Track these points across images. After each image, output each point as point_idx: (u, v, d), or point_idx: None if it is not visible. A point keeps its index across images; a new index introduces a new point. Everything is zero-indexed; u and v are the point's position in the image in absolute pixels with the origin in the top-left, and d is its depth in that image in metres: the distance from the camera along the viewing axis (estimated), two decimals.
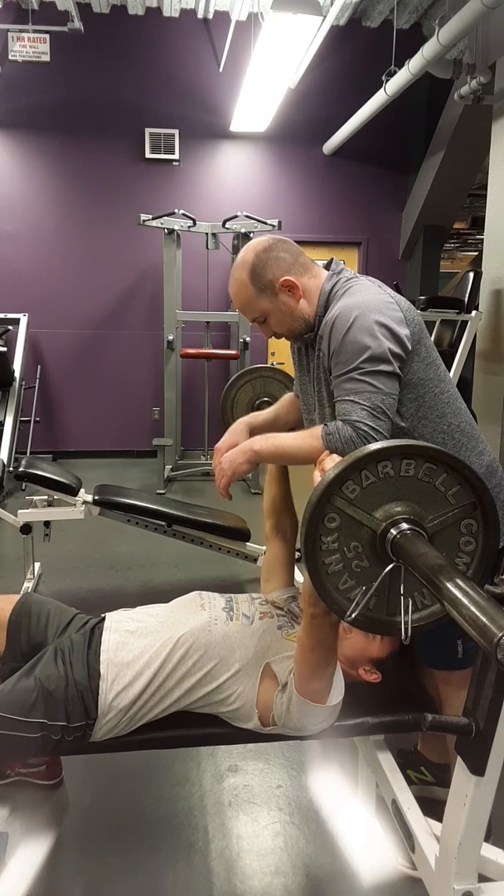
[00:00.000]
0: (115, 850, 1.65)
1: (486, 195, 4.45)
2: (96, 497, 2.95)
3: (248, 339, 5.37)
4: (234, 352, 5.44)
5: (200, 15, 5.91)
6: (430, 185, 5.95)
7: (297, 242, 1.58)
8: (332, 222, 6.48)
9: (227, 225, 5.34)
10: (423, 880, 1.29)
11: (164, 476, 5.26)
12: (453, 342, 4.73)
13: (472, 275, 4.77)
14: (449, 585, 0.89)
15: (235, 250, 5.68)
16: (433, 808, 1.36)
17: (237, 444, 1.55)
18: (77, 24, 5.06)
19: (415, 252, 6.57)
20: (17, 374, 5.41)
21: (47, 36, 4.94)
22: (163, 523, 2.99)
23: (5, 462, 4.76)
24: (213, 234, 5.49)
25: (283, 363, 6.19)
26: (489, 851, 1.29)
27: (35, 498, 2.99)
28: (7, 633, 1.57)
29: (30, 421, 5.68)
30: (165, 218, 5.23)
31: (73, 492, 2.93)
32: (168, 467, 5.38)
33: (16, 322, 5.66)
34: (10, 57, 5.00)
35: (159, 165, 6.12)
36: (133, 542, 3.76)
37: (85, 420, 6.38)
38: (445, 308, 4.61)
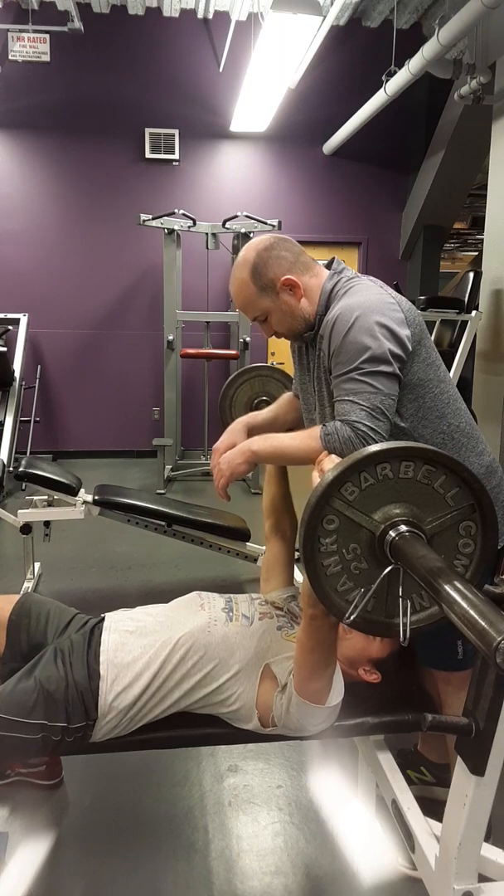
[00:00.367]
0: (115, 850, 1.65)
1: (486, 195, 4.45)
2: (96, 497, 2.95)
3: (248, 339, 5.37)
4: (234, 352, 5.44)
5: (200, 15, 5.91)
6: (430, 185, 5.95)
7: (298, 242, 1.58)
8: (332, 222, 6.48)
9: (227, 225, 5.34)
10: (423, 880, 1.29)
11: (164, 476, 5.26)
12: (453, 342, 4.72)
13: (472, 275, 4.77)
14: (447, 588, 0.89)
15: (235, 250, 5.68)
16: (433, 808, 1.36)
17: (235, 445, 1.54)
18: (77, 24, 5.06)
19: (415, 252, 6.57)
20: (17, 374, 5.41)
21: (47, 36, 4.94)
22: (163, 523, 2.99)
23: (5, 462, 4.76)
24: (213, 234, 5.49)
25: (283, 363, 6.19)
26: (489, 851, 1.29)
27: (35, 498, 2.99)
28: (7, 633, 1.57)
29: (30, 421, 5.68)
30: (165, 218, 5.23)
31: (73, 492, 2.93)
32: (168, 467, 5.38)
33: (16, 322, 5.66)
34: (10, 57, 5.00)
35: (159, 165, 6.12)
36: (133, 542, 3.76)
37: (85, 420, 6.38)
38: (445, 308, 4.61)
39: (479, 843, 1.18)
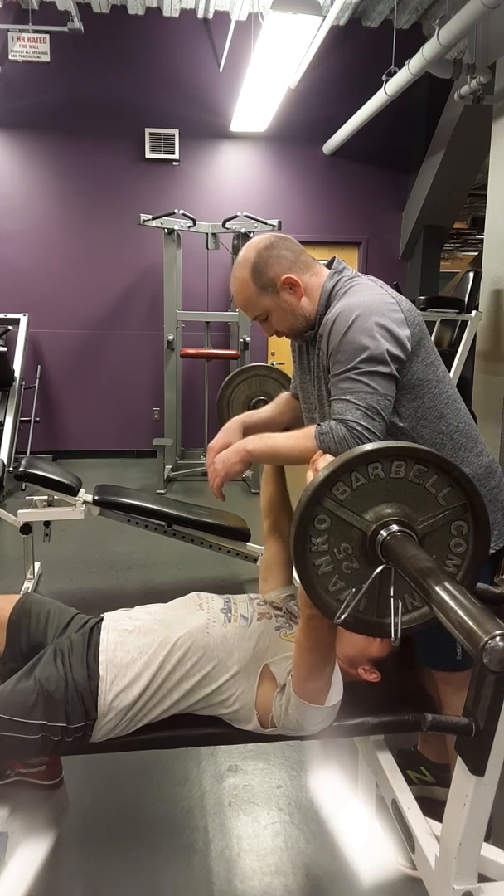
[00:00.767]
0: (115, 850, 1.65)
1: (486, 195, 4.45)
2: (96, 497, 2.95)
3: (248, 338, 5.37)
4: (234, 352, 5.44)
5: (200, 15, 5.91)
6: (430, 185, 5.95)
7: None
8: (332, 222, 6.48)
9: (227, 225, 5.34)
10: (422, 880, 1.29)
11: (164, 476, 5.26)
12: (453, 342, 4.72)
13: (472, 275, 4.77)
14: (437, 589, 0.88)
15: (235, 250, 5.68)
16: (433, 808, 1.36)
17: (231, 444, 1.54)
18: (77, 24, 5.06)
19: (415, 252, 6.57)
20: (17, 374, 5.41)
21: (47, 36, 4.94)
22: (163, 523, 2.99)
23: (5, 462, 4.76)
24: (213, 234, 5.49)
25: (283, 363, 6.19)
26: (489, 851, 1.29)
27: (35, 498, 2.99)
28: (7, 633, 1.57)
29: (30, 421, 5.68)
30: (165, 218, 5.23)
31: (73, 492, 2.93)
32: (168, 467, 5.38)
33: (16, 322, 5.66)
34: (10, 57, 5.00)
35: (159, 165, 6.12)
36: (133, 542, 3.76)
37: (85, 420, 6.38)
38: (445, 308, 4.61)
39: (479, 843, 1.18)
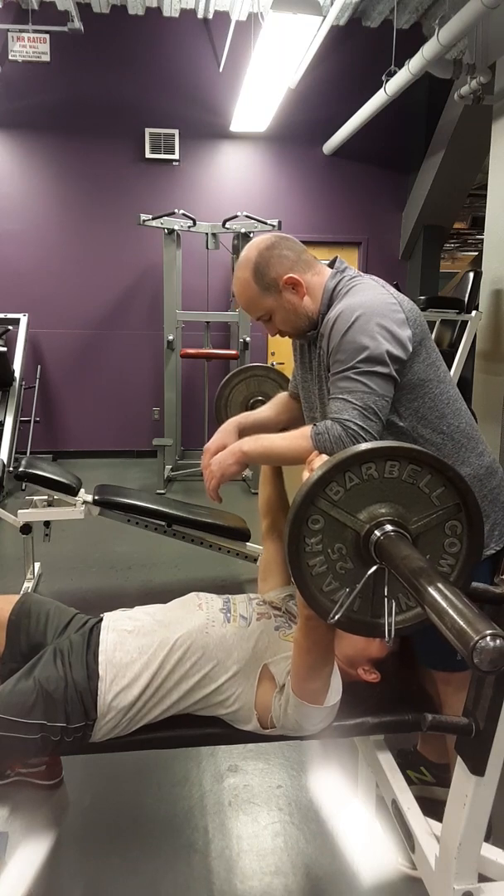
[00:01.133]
0: (115, 850, 1.65)
1: (486, 195, 4.45)
2: (96, 497, 2.95)
3: (248, 338, 5.37)
4: (234, 352, 5.44)
5: (200, 15, 5.91)
6: (430, 185, 5.95)
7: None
8: (332, 222, 6.48)
9: (227, 225, 5.34)
10: (422, 880, 1.29)
11: (164, 476, 5.26)
12: (453, 342, 4.72)
13: (472, 275, 4.77)
14: (430, 589, 0.88)
15: (235, 250, 5.68)
16: (433, 808, 1.36)
17: (226, 445, 1.54)
18: (77, 24, 5.06)
19: (415, 252, 6.57)
20: (17, 374, 5.41)
21: (47, 36, 4.94)
22: (163, 523, 2.98)
23: (5, 462, 4.76)
24: (213, 234, 5.49)
25: (283, 363, 6.19)
26: (489, 851, 1.29)
27: (35, 498, 2.99)
28: (6, 633, 1.57)
29: (30, 421, 5.68)
30: (165, 218, 5.23)
31: (72, 492, 2.93)
32: (168, 467, 5.38)
33: (16, 322, 5.66)
34: (10, 57, 5.00)
35: (159, 165, 6.12)
36: (133, 542, 3.76)
37: (85, 420, 6.38)
38: (445, 308, 4.61)
39: (479, 843, 1.18)
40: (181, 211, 5.24)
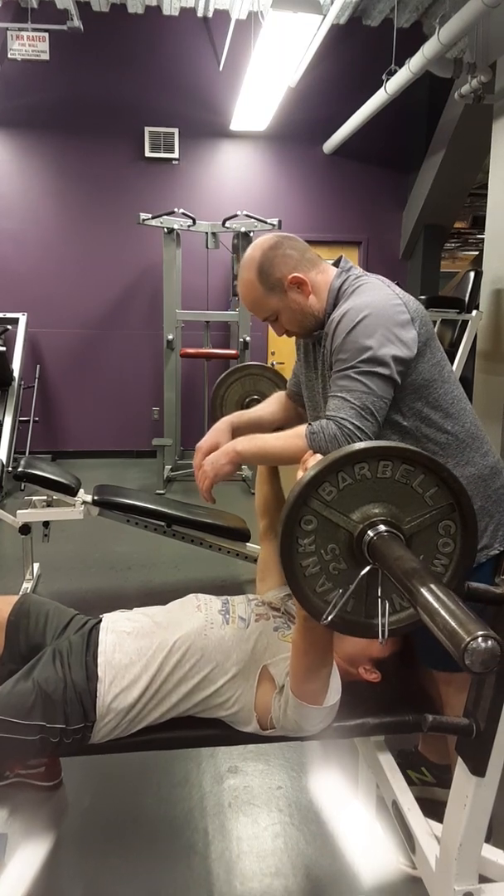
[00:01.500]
0: (115, 851, 1.65)
1: (486, 194, 4.45)
2: (95, 497, 2.94)
3: (247, 338, 5.37)
4: (233, 351, 5.43)
5: (200, 13, 5.90)
6: (430, 184, 5.94)
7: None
8: (332, 222, 6.47)
9: (227, 224, 5.33)
10: (423, 881, 1.29)
11: (164, 476, 5.26)
12: (454, 342, 4.73)
13: (472, 274, 4.77)
14: (422, 590, 0.88)
15: (235, 249, 5.67)
16: (434, 808, 1.36)
17: (219, 444, 1.53)
18: (76, 22, 5.05)
19: (415, 251, 6.56)
20: (16, 374, 5.41)
21: (46, 34, 4.93)
22: (162, 523, 2.98)
23: (4, 462, 4.76)
24: (213, 234, 5.48)
25: (283, 363, 6.19)
26: (489, 852, 1.28)
27: (34, 498, 2.99)
28: (6, 634, 1.57)
29: (29, 421, 5.67)
30: (165, 217, 5.22)
31: (72, 492, 2.92)
32: (168, 467, 5.37)
33: (15, 321, 5.65)
34: (9, 55, 5.00)
35: (159, 164, 6.11)
36: (133, 542, 3.75)
37: (84, 420, 6.37)
38: (446, 308, 4.61)
39: (480, 843, 1.18)
40: (181, 210, 5.23)
